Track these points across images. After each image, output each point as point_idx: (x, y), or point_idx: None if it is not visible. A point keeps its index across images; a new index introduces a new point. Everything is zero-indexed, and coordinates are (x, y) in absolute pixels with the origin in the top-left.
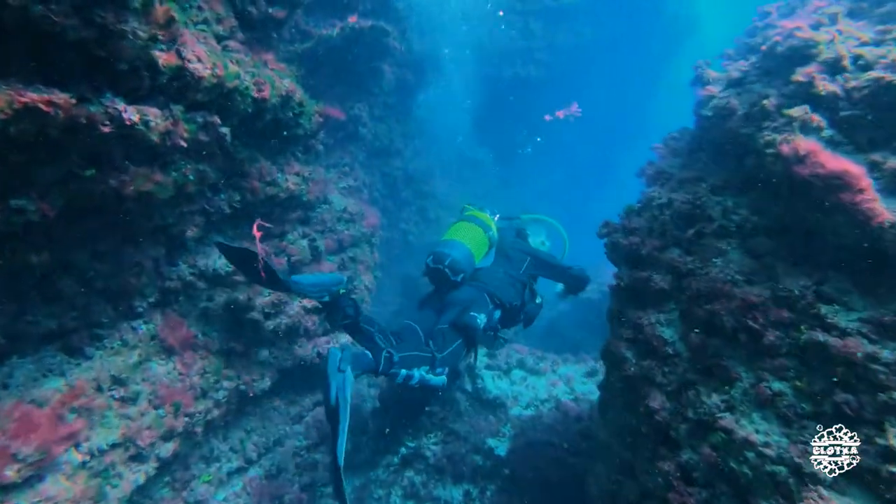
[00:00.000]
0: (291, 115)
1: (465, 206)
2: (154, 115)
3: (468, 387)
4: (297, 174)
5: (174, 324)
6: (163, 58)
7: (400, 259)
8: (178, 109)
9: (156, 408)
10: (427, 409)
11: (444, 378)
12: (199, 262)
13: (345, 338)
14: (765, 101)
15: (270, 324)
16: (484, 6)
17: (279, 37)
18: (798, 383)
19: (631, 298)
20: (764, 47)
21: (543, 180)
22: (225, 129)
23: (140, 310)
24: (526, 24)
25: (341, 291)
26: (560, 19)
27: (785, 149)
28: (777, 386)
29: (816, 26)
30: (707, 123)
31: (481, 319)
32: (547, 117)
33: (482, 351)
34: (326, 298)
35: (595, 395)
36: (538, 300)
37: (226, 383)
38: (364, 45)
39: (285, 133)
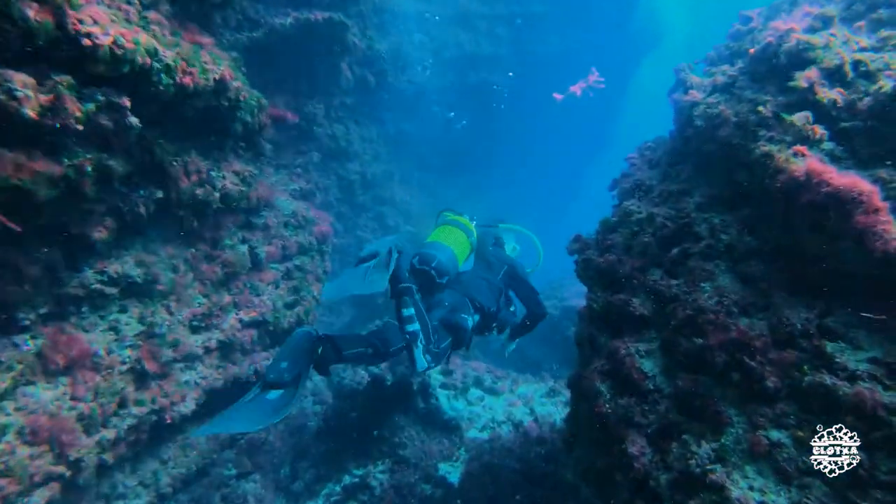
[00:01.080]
0: (227, 105)
1: (444, 211)
2: (22, 82)
3: (421, 405)
4: (237, 173)
5: (69, 339)
6: (34, 10)
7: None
8: (64, 81)
9: (29, 444)
10: (376, 432)
11: (425, 365)
12: (110, 268)
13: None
14: (760, 108)
15: (198, 339)
16: (448, 8)
17: (224, 22)
18: (800, 433)
19: (605, 323)
20: (752, 50)
21: (506, 191)
22: (134, 120)
23: (25, 322)
24: (492, 29)
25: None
26: (527, 26)
27: (784, 162)
28: (775, 435)
29: (811, 30)
30: (691, 132)
31: (471, 320)
32: (557, 95)
33: (437, 368)
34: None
35: (556, 415)
36: (512, 308)
37: (135, 409)
38: (321, 39)
39: (220, 126)
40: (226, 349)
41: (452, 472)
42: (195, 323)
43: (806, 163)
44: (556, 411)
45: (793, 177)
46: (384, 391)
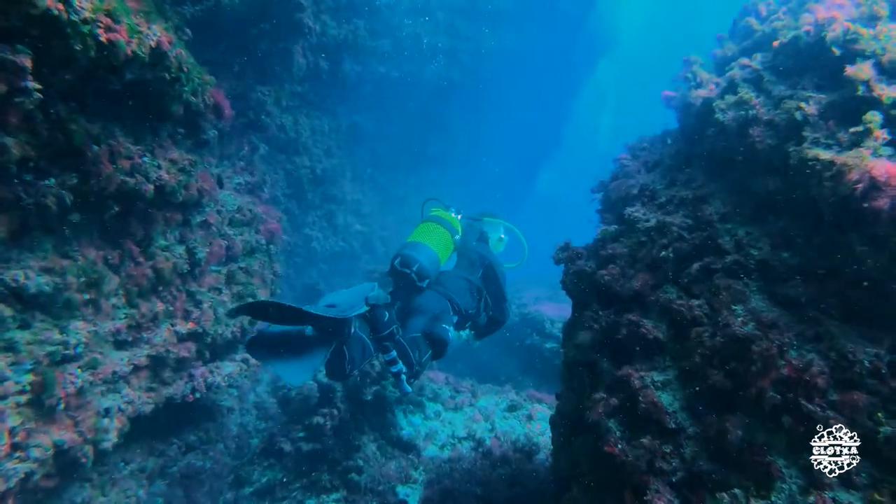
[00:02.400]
0: (167, 78)
1: (429, 202)
2: None
3: (375, 423)
4: (175, 162)
5: None
6: None
7: (302, 268)
8: None
9: None
10: (330, 456)
11: (410, 389)
12: (6, 275)
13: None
14: (803, 106)
15: (124, 356)
16: None
17: None
18: (876, 496)
19: (607, 346)
20: (777, 42)
21: (462, 188)
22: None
23: None
24: (452, 21)
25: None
26: (487, 21)
27: (845, 166)
28: (844, 497)
29: (855, 20)
30: (711, 132)
31: (452, 334)
32: None
33: (389, 380)
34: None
35: (519, 431)
36: (489, 312)
37: (36, 451)
38: (273, 19)
39: (156, 105)
40: (158, 366)
41: (411, 496)
42: (120, 338)
43: (881, 165)
44: (518, 427)
45: (854, 183)
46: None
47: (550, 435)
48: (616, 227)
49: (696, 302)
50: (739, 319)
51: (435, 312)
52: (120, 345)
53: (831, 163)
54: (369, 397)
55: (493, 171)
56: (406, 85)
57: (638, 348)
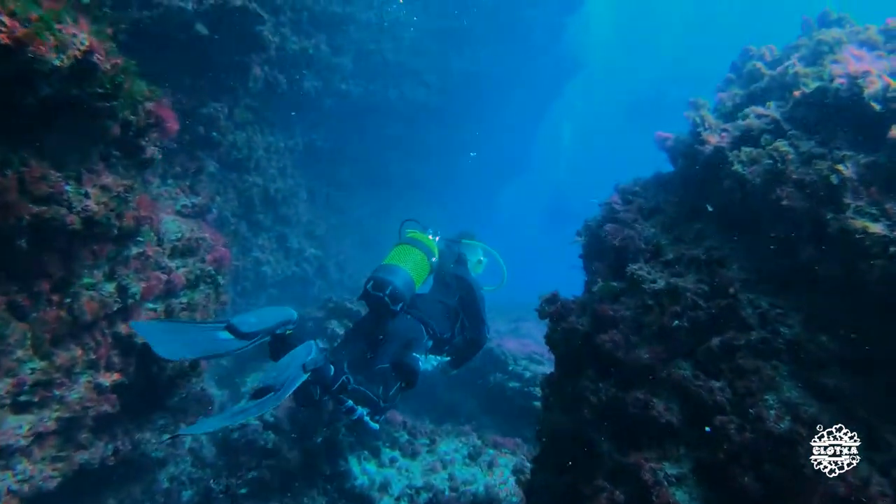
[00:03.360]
0: (98, 93)
1: (407, 223)
2: None
3: (326, 470)
4: (107, 189)
5: None
6: None
7: (250, 293)
8: None
9: None
10: None
11: (377, 427)
12: None
13: None
14: (840, 168)
15: (25, 421)
16: (371, 13)
17: None
18: None
19: (608, 424)
20: (798, 93)
21: (425, 211)
22: None
23: None
24: (420, 40)
25: (287, 332)
26: (455, 42)
27: None
28: None
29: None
30: (710, 184)
31: (423, 360)
32: None
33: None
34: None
35: (480, 482)
36: (466, 334)
37: None
38: (231, 30)
39: (85, 124)
40: (72, 428)
41: None
42: (23, 398)
43: None
44: (479, 475)
45: None
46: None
47: (513, 486)
48: (616, 283)
49: (716, 384)
50: (773, 412)
51: (407, 338)
52: (21, 407)
53: (883, 239)
54: (319, 439)
55: (456, 194)
56: (369, 104)
57: (646, 432)
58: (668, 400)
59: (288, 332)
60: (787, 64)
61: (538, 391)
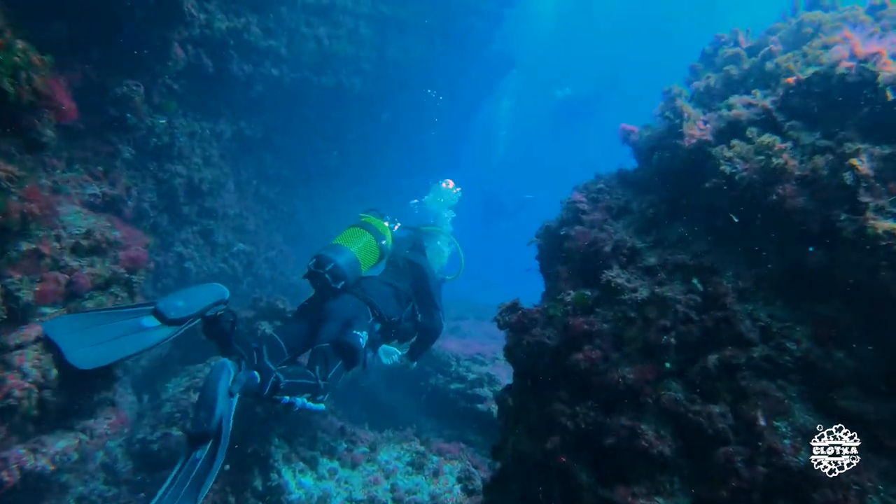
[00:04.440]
0: None
1: (363, 213)
2: None
3: (258, 485)
4: None
5: None
6: None
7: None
8: None
9: None
10: None
11: (323, 405)
12: None
13: None
14: (854, 163)
15: None
16: None
17: None
18: None
19: (586, 453)
20: (792, 80)
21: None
22: None
23: None
24: (357, 26)
25: (219, 313)
26: (392, 30)
27: None
28: None
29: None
30: (693, 181)
31: (363, 338)
32: None
33: (279, 431)
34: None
35: (424, 491)
36: (419, 318)
37: None
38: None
39: None
40: None
41: None
42: None
43: None
44: (423, 484)
45: None
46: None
47: (459, 495)
48: (589, 292)
49: (716, 409)
50: (788, 443)
51: (347, 317)
52: None
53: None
54: (249, 450)
55: (388, 188)
56: (302, 91)
57: (633, 462)
58: (658, 426)
59: (219, 312)
60: (766, 49)
61: (483, 392)
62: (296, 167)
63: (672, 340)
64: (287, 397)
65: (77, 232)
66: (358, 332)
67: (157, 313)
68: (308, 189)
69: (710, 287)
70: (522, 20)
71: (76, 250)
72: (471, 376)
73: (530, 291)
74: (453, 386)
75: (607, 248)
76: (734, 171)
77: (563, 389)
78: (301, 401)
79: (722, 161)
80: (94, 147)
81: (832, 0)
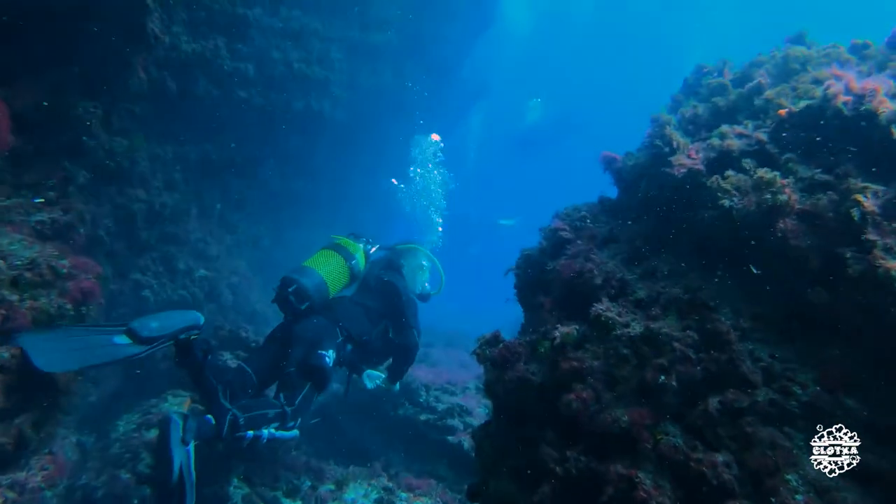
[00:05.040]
0: None
1: (333, 235)
2: None
3: None
4: None
5: None
6: None
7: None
8: None
9: None
10: None
11: (296, 431)
12: None
13: None
14: (860, 200)
15: None
16: (276, 19)
17: None
18: None
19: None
20: (784, 112)
21: (321, 231)
22: None
23: None
24: (328, 51)
25: (192, 337)
26: (364, 55)
27: None
28: None
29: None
30: (684, 211)
31: (330, 357)
32: None
33: (239, 471)
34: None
35: None
36: (391, 336)
37: None
38: (108, 19)
39: None
40: None
41: None
42: None
43: None
44: None
45: None
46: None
47: None
48: (577, 327)
49: (719, 458)
50: (801, 499)
51: (312, 339)
52: None
53: None
54: (208, 492)
55: (357, 214)
56: (270, 115)
57: None
58: (656, 476)
59: (193, 336)
60: (755, 82)
61: (454, 423)
62: (261, 191)
63: (673, 382)
64: (251, 433)
65: (19, 261)
66: (323, 352)
67: (129, 332)
68: (273, 213)
69: (709, 324)
70: (494, 46)
71: (17, 283)
72: (441, 406)
73: (499, 319)
74: (423, 417)
75: (597, 280)
76: (732, 204)
77: (550, 430)
78: (267, 432)
79: (720, 194)
80: (43, 170)
81: (811, 38)
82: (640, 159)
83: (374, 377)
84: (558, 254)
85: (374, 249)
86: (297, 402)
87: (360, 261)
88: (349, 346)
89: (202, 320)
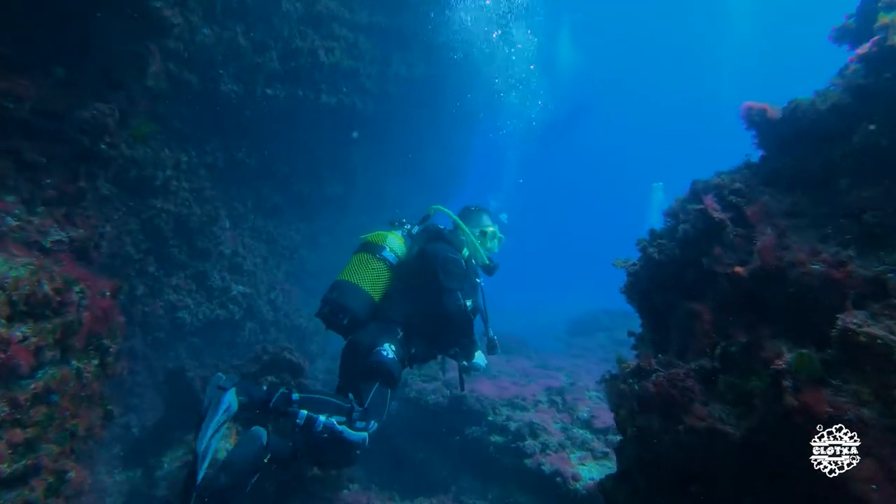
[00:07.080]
0: None
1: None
2: None
3: None
4: None
5: None
6: None
7: (165, 345)
8: None
9: None
10: None
11: (364, 434)
12: None
13: None
14: None
15: None
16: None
17: None
18: None
19: None
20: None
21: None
22: None
23: None
24: (355, 40)
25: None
26: (394, 43)
27: None
28: None
29: None
30: None
31: (387, 351)
32: None
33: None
34: None
35: None
36: (469, 304)
37: None
38: (118, 8)
39: None
40: None
41: None
42: None
43: None
44: None
45: None
46: None
47: None
48: (807, 352)
49: None
50: None
51: (369, 344)
52: None
53: None
54: None
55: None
56: (298, 112)
57: None
58: None
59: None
60: None
61: (529, 446)
62: (296, 197)
63: None
64: (305, 412)
65: (24, 289)
66: (380, 348)
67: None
68: (309, 220)
69: None
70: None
71: (15, 315)
72: (513, 426)
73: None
74: (493, 438)
75: (815, 280)
76: None
77: None
78: (324, 418)
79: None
80: (61, 183)
81: None
82: (826, 94)
83: (446, 366)
84: (709, 243)
85: (408, 229)
86: (367, 402)
87: (393, 248)
88: (409, 333)
89: (265, 438)
